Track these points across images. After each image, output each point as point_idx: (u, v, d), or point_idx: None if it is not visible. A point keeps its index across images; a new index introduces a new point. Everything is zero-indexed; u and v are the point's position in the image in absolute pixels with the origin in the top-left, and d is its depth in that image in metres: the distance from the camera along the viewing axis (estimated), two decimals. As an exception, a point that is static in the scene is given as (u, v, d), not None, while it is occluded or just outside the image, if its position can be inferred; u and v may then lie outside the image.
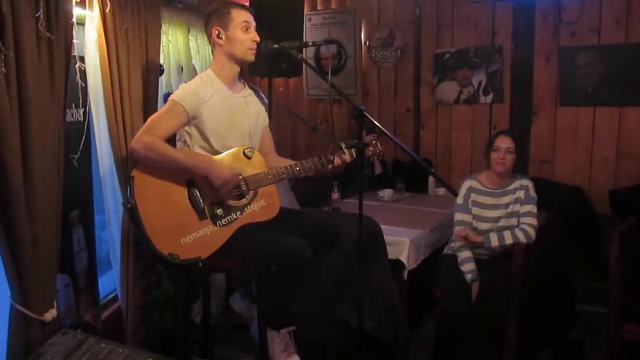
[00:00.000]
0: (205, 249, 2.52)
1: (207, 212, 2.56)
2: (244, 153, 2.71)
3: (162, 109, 2.65)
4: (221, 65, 2.72)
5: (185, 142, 2.69)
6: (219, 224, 2.58)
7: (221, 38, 2.66)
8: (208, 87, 2.64)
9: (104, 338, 2.45)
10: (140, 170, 2.50)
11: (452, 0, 4.93)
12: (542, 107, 4.67)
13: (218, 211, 2.58)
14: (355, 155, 2.76)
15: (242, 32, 2.67)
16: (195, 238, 2.51)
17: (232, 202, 2.62)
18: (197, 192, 2.55)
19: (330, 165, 2.74)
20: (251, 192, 2.67)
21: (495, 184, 3.42)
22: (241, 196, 2.65)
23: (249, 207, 2.66)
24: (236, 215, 2.62)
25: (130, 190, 2.46)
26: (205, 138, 2.65)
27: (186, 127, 2.64)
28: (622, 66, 4.32)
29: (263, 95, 2.93)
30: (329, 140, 2.73)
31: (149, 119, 2.60)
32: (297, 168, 2.75)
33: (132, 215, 2.50)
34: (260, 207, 2.70)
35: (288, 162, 2.82)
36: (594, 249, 4.11)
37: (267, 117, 2.96)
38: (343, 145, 2.77)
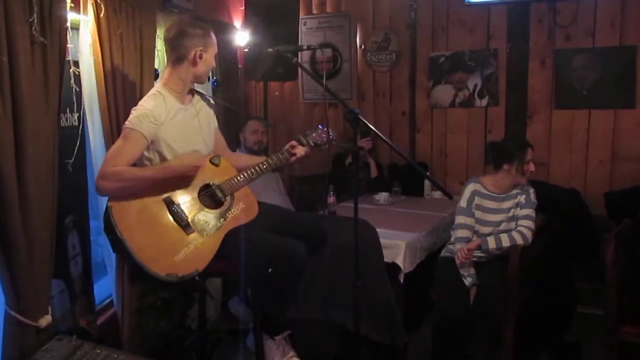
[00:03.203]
0: (200, 261, 2.49)
1: (192, 225, 2.53)
2: (211, 162, 2.71)
3: (118, 139, 2.55)
4: (182, 83, 2.65)
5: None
6: (206, 234, 2.55)
7: (200, 58, 2.62)
8: (162, 108, 2.57)
9: (99, 344, 2.44)
10: (115, 199, 2.44)
11: (447, 3, 4.94)
12: (537, 110, 4.68)
13: (202, 222, 2.56)
14: (312, 144, 2.82)
15: (213, 59, 2.70)
16: (187, 253, 2.48)
17: (213, 211, 2.61)
18: (178, 207, 2.52)
19: (294, 157, 2.80)
20: (228, 198, 2.66)
21: (499, 189, 3.43)
22: (219, 203, 2.63)
23: (230, 212, 2.65)
24: (220, 222, 2.60)
25: (109, 221, 2.40)
26: (165, 159, 2.60)
27: (145, 153, 2.58)
28: (617, 69, 4.34)
29: (209, 98, 2.90)
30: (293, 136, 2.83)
31: (108, 152, 2.54)
32: (264, 166, 2.76)
33: (118, 245, 2.42)
34: (241, 210, 2.69)
35: (247, 157, 2.97)
36: (590, 251, 4.11)
37: (215, 119, 2.92)
38: (301, 137, 2.82)
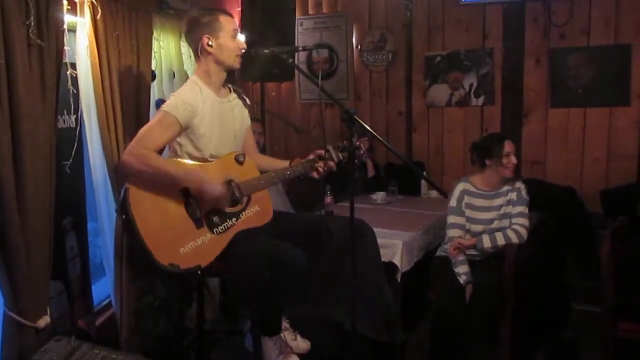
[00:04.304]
0: (205, 257, 2.50)
1: (203, 220, 2.53)
2: (235, 159, 2.70)
3: (153, 120, 2.59)
4: (209, 73, 2.67)
5: (175, 152, 2.65)
6: (216, 231, 2.55)
7: (211, 46, 2.61)
8: (198, 96, 2.60)
9: (98, 344, 2.44)
10: (133, 182, 2.44)
11: (442, 3, 4.96)
12: (533, 109, 4.70)
13: (214, 219, 2.55)
14: (340, 158, 2.80)
15: (232, 40, 2.65)
16: (193, 247, 2.48)
17: (227, 209, 2.60)
18: (194, 201, 2.52)
19: (316, 171, 2.80)
20: (245, 198, 2.66)
21: (489, 186, 3.44)
22: (236, 202, 2.63)
23: (244, 213, 2.65)
24: (232, 222, 2.60)
25: (125, 201, 2.40)
26: (196, 147, 2.62)
27: (178, 139, 2.61)
28: (612, 67, 4.36)
29: (245, 97, 2.91)
30: (320, 144, 2.76)
31: (141, 131, 2.54)
32: (288, 172, 2.77)
33: (129, 227, 2.44)
34: (255, 213, 2.70)
35: (272, 160, 2.93)
36: (587, 249, 4.13)
37: (249, 118, 2.94)
38: (331, 149, 2.79)
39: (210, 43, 2.61)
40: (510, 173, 3.38)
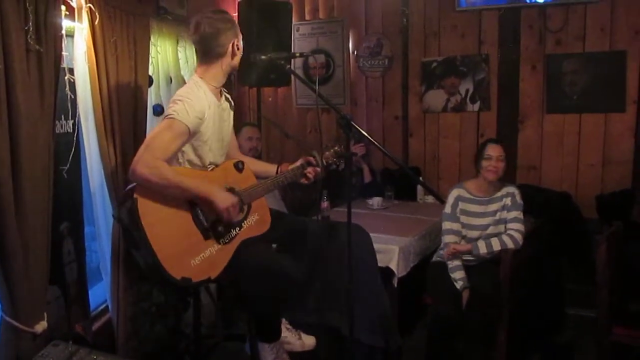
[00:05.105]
0: (214, 269, 2.49)
1: (210, 231, 2.51)
2: (235, 166, 2.69)
3: (161, 127, 2.45)
4: (220, 77, 2.63)
5: (177, 159, 2.56)
6: (222, 241, 2.54)
7: (238, 49, 2.60)
8: (204, 101, 2.52)
9: (95, 349, 2.45)
10: (141, 193, 2.35)
11: (438, 9, 4.97)
12: (528, 115, 4.72)
13: (220, 229, 2.53)
14: (324, 163, 2.82)
15: (241, 42, 2.66)
16: (203, 259, 2.45)
17: None
18: (200, 211, 2.49)
19: (305, 178, 2.82)
20: (245, 207, 2.65)
21: (483, 192, 3.45)
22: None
23: (245, 222, 2.65)
24: (236, 231, 2.59)
25: (134, 213, 2.32)
26: (197, 154, 2.57)
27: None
28: (607, 73, 4.37)
29: (228, 96, 2.83)
30: (314, 149, 2.78)
31: (149, 139, 2.43)
32: (282, 179, 2.79)
33: (138, 240, 2.34)
34: (255, 221, 2.69)
35: (259, 164, 2.96)
36: (582, 254, 4.14)
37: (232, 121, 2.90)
38: (316, 155, 2.80)
39: (237, 47, 2.59)
40: (490, 175, 3.36)
